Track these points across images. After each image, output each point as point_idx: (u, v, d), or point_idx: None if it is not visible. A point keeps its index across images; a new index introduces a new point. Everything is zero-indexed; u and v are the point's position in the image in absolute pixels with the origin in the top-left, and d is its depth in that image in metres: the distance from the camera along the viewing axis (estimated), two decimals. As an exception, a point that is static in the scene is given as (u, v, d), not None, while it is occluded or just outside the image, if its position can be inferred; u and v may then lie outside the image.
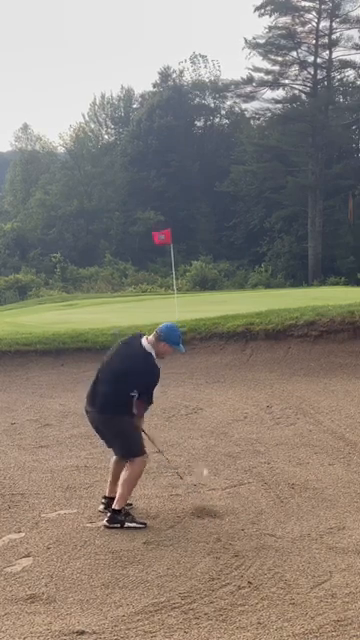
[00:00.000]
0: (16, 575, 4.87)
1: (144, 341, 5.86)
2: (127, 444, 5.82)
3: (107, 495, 6.01)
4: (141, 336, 5.99)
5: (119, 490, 5.73)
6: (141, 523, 5.65)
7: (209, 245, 50.19)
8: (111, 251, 48.54)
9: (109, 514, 5.70)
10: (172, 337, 5.87)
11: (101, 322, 15.79)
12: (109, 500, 5.89)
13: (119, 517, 5.63)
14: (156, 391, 5.87)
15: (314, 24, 47.21)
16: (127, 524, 5.60)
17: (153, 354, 5.80)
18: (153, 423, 9.13)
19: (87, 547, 5.29)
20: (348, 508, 5.96)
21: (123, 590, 4.57)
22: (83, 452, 7.97)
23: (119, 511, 5.66)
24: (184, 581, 4.67)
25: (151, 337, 5.88)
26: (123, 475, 5.76)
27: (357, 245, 45.27)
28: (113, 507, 5.69)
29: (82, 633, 4.02)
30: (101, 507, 6.00)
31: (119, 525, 5.60)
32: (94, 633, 4.02)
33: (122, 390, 5.69)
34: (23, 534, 5.60)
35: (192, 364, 12.84)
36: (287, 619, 4.12)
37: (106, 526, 5.64)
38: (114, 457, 6.10)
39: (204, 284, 39.30)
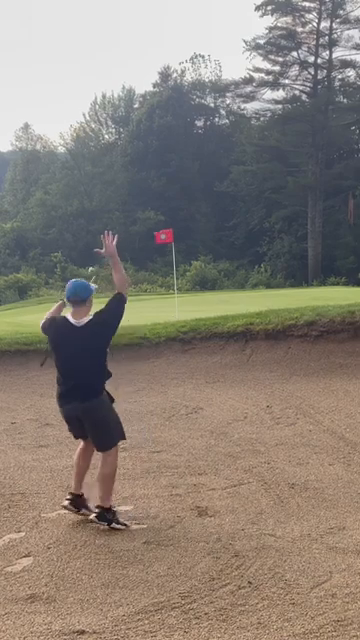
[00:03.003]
0: (16, 575, 4.87)
1: (79, 317, 5.75)
2: (109, 431, 5.73)
3: (73, 492, 5.89)
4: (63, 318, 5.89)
5: (101, 487, 5.65)
6: (124, 524, 5.59)
7: (209, 245, 50.15)
8: (111, 251, 48.46)
9: (97, 511, 5.63)
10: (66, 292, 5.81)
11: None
12: (75, 496, 5.83)
13: (108, 515, 5.59)
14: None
15: (314, 24, 47.25)
16: (113, 524, 5.57)
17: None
18: (153, 423, 9.15)
19: (87, 547, 5.29)
20: (348, 508, 5.96)
21: (123, 590, 4.57)
22: (83, 452, 7.96)
23: (108, 509, 5.62)
24: (184, 581, 4.67)
25: (72, 312, 5.80)
26: (101, 471, 5.69)
27: (357, 245, 45.29)
28: (102, 505, 5.61)
29: (82, 633, 4.02)
30: (66, 502, 5.87)
31: (107, 524, 5.57)
32: (94, 633, 4.02)
33: (102, 358, 5.75)
34: (23, 534, 5.60)
35: (192, 364, 12.84)
36: (287, 619, 4.12)
37: (93, 521, 5.60)
38: (78, 450, 6.02)
39: (204, 284, 39.30)
